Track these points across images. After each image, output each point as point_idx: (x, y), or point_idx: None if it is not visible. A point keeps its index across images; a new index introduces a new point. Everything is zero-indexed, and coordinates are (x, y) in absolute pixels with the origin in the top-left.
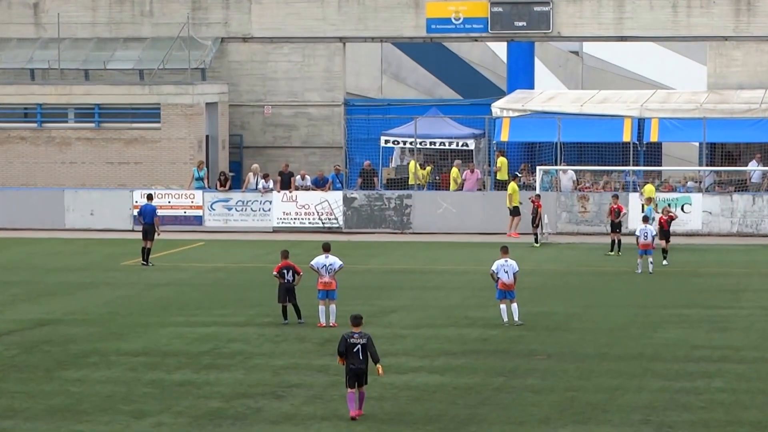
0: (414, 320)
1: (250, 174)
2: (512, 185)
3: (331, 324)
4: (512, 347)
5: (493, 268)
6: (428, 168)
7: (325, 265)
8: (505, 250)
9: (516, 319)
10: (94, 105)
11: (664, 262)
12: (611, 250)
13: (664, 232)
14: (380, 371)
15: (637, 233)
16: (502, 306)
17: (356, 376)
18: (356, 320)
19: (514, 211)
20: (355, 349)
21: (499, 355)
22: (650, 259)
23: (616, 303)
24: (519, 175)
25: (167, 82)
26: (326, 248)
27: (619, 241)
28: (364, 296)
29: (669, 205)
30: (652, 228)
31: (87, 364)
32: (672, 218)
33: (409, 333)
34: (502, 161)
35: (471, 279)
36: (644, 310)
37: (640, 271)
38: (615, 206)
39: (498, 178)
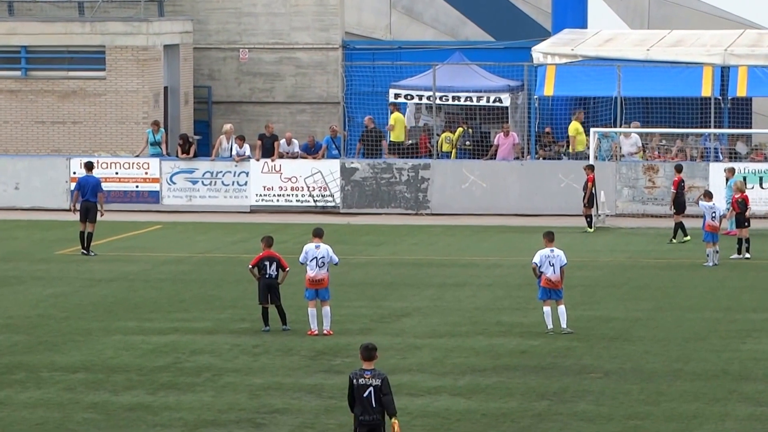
0: (432, 327)
1: (222, 137)
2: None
3: (324, 332)
4: (558, 362)
5: (536, 260)
6: (459, 130)
7: (316, 256)
8: (550, 237)
9: (564, 325)
10: (19, 47)
11: (747, 255)
12: (674, 236)
13: (738, 218)
14: (396, 428)
15: (703, 210)
16: (547, 308)
17: (369, 431)
18: (368, 353)
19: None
20: (365, 393)
21: (541, 373)
22: (716, 248)
23: (692, 306)
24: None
25: (114, 18)
26: (318, 234)
27: (681, 224)
28: (368, 296)
29: (745, 179)
30: (718, 205)
31: (11, 382)
32: (745, 200)
33: (426, 343)
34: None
35: (505, 274)
36: (728, 314)
37: (709, 263)
38: (677, 178)
39: (576, 148)
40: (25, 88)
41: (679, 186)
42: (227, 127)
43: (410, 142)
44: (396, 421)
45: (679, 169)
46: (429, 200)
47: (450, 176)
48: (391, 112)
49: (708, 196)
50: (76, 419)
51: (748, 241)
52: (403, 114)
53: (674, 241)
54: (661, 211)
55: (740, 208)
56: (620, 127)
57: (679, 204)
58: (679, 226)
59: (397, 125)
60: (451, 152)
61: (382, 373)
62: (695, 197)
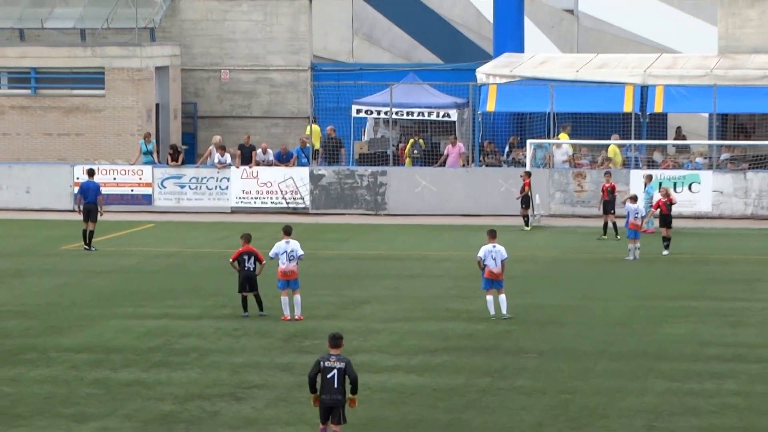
0: (389, 313)
1: (212, 147)
2: (612, 148)
3: (296, 317)
4: (500, 344)
5: (480, 254)
6: (410, 141)
7: (286, 251)
8: (492, 235)
9: (504, 312)
10: (29, 69)
11: (665, 252)
12: (604, 233)
13: (664, 218)
14: (353, 403)
15: (626, 211)
16: (489, 297)
17: (329, 410)
18: (335, 341)
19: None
20: (329, 375)
21: (484, 353)
22: (637, 244)
23: (616, 294)
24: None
25: (112, 43)
26: (287, 232)
27: (614, 223)
28: (334, 286)
29: (674, 185)
30: (641, 207)
31: (23, 362)
32: (671, 202)
33: (384, 327)
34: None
35: (453, 267)
36: (648, 302)
37: (631, 258)
38: (608, 184)
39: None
40: (35, 105)
41: (608, 190)
42: (217, 138)
43: (371, 151)
44: (355, 398)
45: (609, 174)
46: (387, 202)
47: (405, 181)
48: (311, 125)
49: (633, 199)
50: (80, 393)
51: (669, 239)
52: (363, 128)
53: (604, 237)
54: (589, 212)
55: (667, 210)
56: (553, 138)
57: (608, 205)
58: (607, 225)
59: (313, 136)
60: (405, 161)
61: (345, 357)
62: (622, 199)
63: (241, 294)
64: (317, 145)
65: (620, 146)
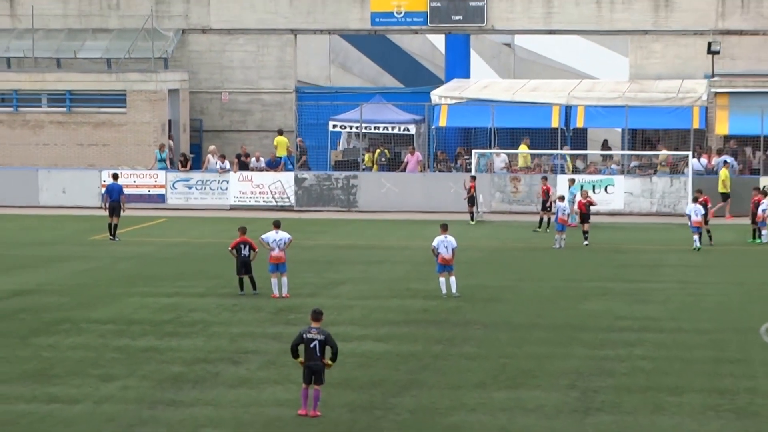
0: (360, 292)
1: (209, 155)
2: (724, 171)
3: (283, 295)
4: (450, 317)
5: (434, 243)
6: (377, 151)
7: (275, 239)
8: (444, 228)
9: (454, 291)
10: (65, 91)
11: (585, 243)
12: (539, 227)
13: (583, 215)
14: (328, 363)
15: (554, 209)
16: (442, 279)
17: (312, 373)
18: (316, 315)
19: (724, 196)
20: (312, 345)
21: (438, 325)
22: (563, 236)
23: (545, 276)
24: (728, 161)
25: (132, 70)
26: (276, 225)
27: (549, 219)
28: (315, 269)
29: (593, 187)
30: (567, 206)
31: (59, 332)
32: (590, 203)
33: (356, 303)
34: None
35: (413, 254)
36: (571, 283)
37: (557, 246)
38: (544, 187)
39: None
40: (69, 121)
41: (546, 192)
42: (212, 147)
43: (345, 159)
44: (331, 363)
45: (545, 179)
46: (357, 201)
47: (372, 184)
48: (277, 136)
49: (561, 198)
50: (106, 358)
51: (587, 232)
52: (338, 140)
53: (539, 230)
54: (523, 209)
55: (586, 209)
56: (494, 149)
57: (544, 203)
58: (543, 219)
59: (279, 146)
60: (372, 167)
61: (325, 330)
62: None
63: (239, 276)
64: (284, 153)
65: (549, 155)
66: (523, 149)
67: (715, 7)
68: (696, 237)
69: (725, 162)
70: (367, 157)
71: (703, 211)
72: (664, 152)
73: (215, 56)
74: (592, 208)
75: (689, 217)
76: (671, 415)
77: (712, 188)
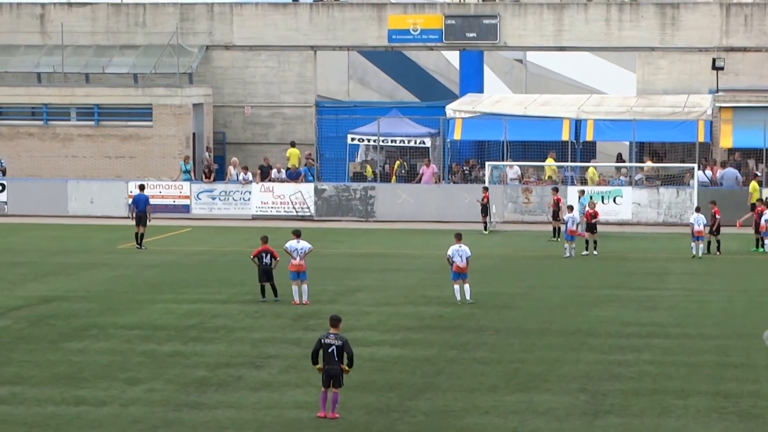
0: (377, 299)
1: (230, 167)
2: (753, 184)
3: (303, 302)
4: (464, 323)
5: (448, 252)
6: (397, 163)
7: (296, 248)
8: (458, 237)
9: (468, 298)
10: (93, 105)
11: (594, 252)
12: (554, 236)
13: (590, 225)
14: (345, 369)
15: (565, 219)
16: (456, 286)
17: (330, 377)
18: (335, 321)
19: (753, 207)
20: (330, 350)
21: (452, 331)
22: (573, 245)
23: (555, 284)
24: (759, 174)
25: (158, 84)
26: (297, 234)
27: (559, 228)
28: (333, 277)
29: (602, 198)
30: (577, 216)
31: (87, 336)
32: (595, 215)
33: (373, 310)
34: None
35: (427, 262)
36: (580, 290)
37: (567, 255)
38: (555, 198)
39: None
40: (97, 134)
41: (556, 203)
42: (233, 159)
43: (363, 170)
44: (348, 369)
45: (556, 190)
46: (375, 211)
47: (389, 195)
48: (290, 148)
49: (570, 209)
50: (132, 362)
51: (596, 242)
52: (357, 152)
53: (554, 239)
54: (535, 219)
55: (592, 219)
56: (506, 161)
57: (555, 214)
58: (556, 229)
59: (292, 157)
60: (392, 177)
61: (343, 336)
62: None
63: (260, 283)
64: (295, 163)
65: (560, 167)
66: (549, 162)
67: (720, 25)
68: (693, 245)
69: (756, 175)
70: (368, 168)
71: (705, 221)
72: (675, 165)
73: (238, 72)
74: (596, 218)
75: (692, 226)
76: (677, 417)
77: (717, 198)
